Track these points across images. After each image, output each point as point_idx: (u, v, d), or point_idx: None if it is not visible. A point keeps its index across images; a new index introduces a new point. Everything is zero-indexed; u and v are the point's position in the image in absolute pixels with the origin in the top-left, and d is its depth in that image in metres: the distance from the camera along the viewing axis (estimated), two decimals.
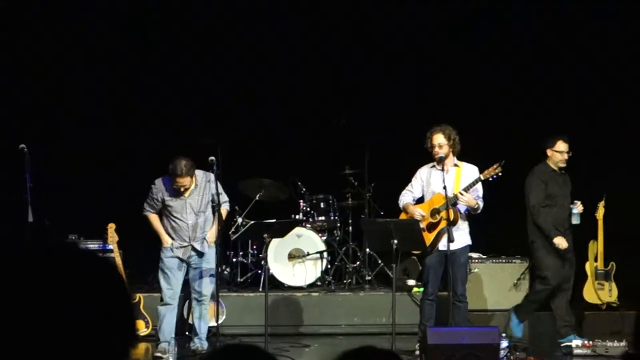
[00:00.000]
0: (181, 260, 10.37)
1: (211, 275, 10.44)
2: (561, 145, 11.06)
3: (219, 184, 10.27)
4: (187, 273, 10.50)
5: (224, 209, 10.50)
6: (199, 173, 10.26)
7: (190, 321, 10.92)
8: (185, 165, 10.06)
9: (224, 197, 10.47)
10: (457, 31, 13.38)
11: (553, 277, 10.95)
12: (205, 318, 10.56)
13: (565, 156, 11.06)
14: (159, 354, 10.27)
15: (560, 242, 10.91)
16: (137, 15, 13.25)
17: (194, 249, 10.36)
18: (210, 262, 10.43)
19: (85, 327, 1.60)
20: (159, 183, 10.32)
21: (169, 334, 10.37)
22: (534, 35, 13.34)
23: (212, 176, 10.26)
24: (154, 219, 10.43)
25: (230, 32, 13.46)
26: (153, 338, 10.55)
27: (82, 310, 1.60)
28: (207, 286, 10.48)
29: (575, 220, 11.03)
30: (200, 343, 10.52)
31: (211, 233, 10.41)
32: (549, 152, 11.12)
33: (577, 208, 11.05)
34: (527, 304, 11.30)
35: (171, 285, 10.38)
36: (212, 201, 10.36)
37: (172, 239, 10.37)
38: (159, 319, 10.40)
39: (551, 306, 11.18)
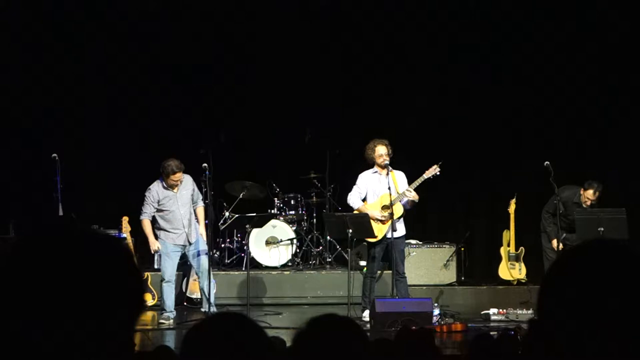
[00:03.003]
0: (176, 245, 10.36)
1: (205, 254, 10.38)
2: (590, 194, 11.08)
3: (195, 186, 10.35)
4: (183, 256, 10.49)
5: (201, 206, 10.52)
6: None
7: (187, 294, 10.91)
8: (178, 163, 10.09)
9: (200, 196, 10.51)
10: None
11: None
12: (210, 287, 10.23)
13: (589, 202, 11.10)
14: (162, 321, 10.24)
15: (554, 244, 11.22)
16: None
17: (187, 239, 10.35)
18: (202, 244, 10.42)
19: (103, 295, 1.57)
20: (153, 188, 10.26)
21: (169, 305, 10.37)
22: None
23: (188, 176, 10.32)
24: (147, 224, 10.34)
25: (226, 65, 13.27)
26: (158, 308, 10.53)
27: (101, 281, 1.58)
28: (205, 262, 10.35)
29: None
30: (210, 307, 10.15)
31: (202, 228, 10.46)
32: (582, 190, 11.18)
33: None
34: None
35: (170, 267, 10.34)
36: (192, 197, 10.38)
37: (167, 231, 10.27)
38: (162, 294, 10.35)
39: None
